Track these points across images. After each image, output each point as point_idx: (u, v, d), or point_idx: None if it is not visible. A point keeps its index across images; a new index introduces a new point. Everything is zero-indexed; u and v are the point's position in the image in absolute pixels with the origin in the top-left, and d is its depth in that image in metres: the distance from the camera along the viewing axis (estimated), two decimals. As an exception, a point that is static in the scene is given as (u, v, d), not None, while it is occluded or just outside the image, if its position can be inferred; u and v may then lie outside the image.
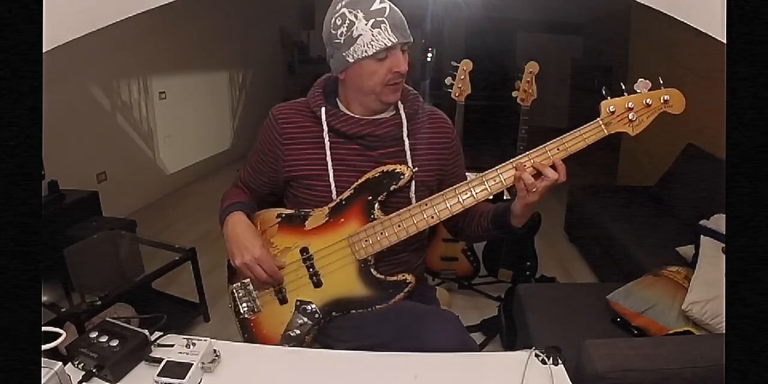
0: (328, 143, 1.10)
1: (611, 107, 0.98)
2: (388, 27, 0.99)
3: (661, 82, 0.99)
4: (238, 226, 1.10)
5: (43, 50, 0.97)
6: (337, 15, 1.01)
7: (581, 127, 0.99)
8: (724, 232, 1.74)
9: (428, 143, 1.15)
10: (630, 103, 0.98)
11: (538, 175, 1.00)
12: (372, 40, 0.98)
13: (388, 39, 0.99)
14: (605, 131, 0.98)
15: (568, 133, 0.99)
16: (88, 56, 3.16)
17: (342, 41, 1.01)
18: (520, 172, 0.99)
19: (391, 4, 1.02)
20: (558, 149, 0.98)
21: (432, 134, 1.16)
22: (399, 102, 1.14)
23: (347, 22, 0.99)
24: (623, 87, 0.99)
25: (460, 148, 1.22)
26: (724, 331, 1.41)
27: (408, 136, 1.12)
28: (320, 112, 1.10)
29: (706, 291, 1.46)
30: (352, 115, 1.11)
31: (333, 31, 1.02)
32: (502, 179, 1.01)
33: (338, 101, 1.14)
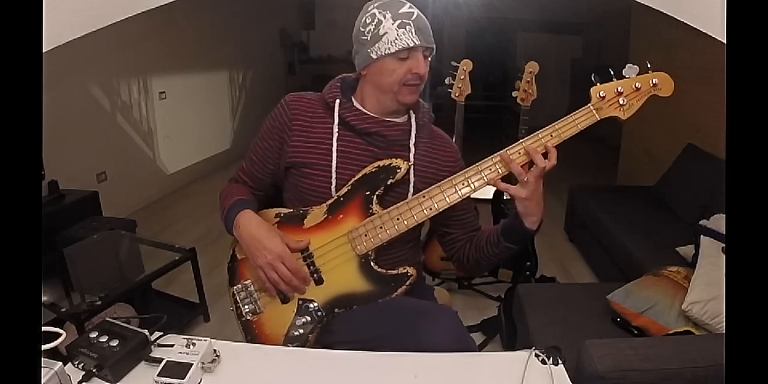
0: (336, 134, 1.11)
1: (601, 92, 1.00)
2: (413, 29, 1.03)
3: (649, 66, 1.01)
4: (252, 226, 1.09)
5: (43, 50, 0.97)
6: (367, 14, 1.07)
7: (573, 113, 1.01)
8: (724, 232, 1.74)
9: (432, 158, 1.17)
10: (620, 88, 1.00)
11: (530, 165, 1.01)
12: (396, 39, 1.03)
13: (412, 40, 1.03)
14: (597, 116, 1.00)
15: (560, 120, 1.00)
16: (88, 56, 3.16)
17: (368, 38, 1.06)
18: (507, 163, 1.00)
19: (419, 11, 1.08)
20: (551, 136, 1.00)
21: (438, 152, 1.19)
22: (412, 111, 1.18)
23: (376, 20, 1.05)
24: (612, 73, 1.01)
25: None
26: (724, 331, 1.41)
27: (414, 144, 1.15)
28: (334, 103, 1.13)
29: (706, 291, 1.46)
30: (364, 111, 1.13)
31: (362, 29, 1.07)
32: (498, 168, 1.02)
33: (353, 98, 1.16)
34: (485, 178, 1.03)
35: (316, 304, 1.11)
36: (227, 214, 1.14)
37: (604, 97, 1.00)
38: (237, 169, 1.26)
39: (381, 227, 1.06)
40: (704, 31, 1.11)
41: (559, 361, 0.91)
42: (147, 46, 3.76)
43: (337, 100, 1.13)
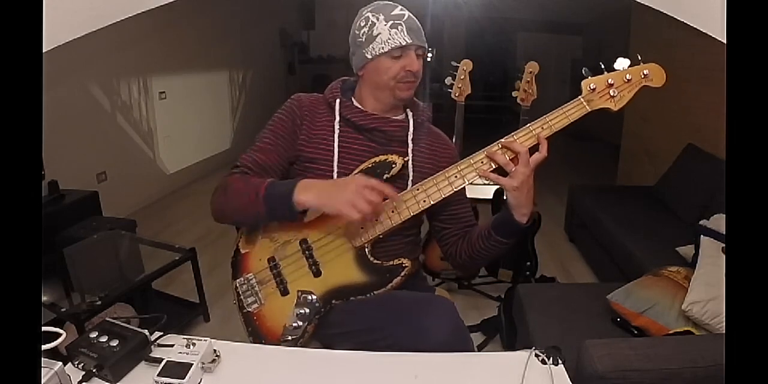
0: (338, 131, 1.16)
1: (592, 85, 1.02)
2: (404, 29, 1.09)
3: (640, 58, 1.03)
4: (322, 181, 1.05)
5: (43, 50, 0.97)
6: (362, 18, 1.13)
7: (564, 105, 1.02)
8: (724, 232, 1.74)
9: (430, 154, 1.21)
10: (610, 80, 1.02)
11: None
12: (389, 39, 1.08)
13: (404, 39, 1.08)
14: (587, 108, 1.02)
15: (551, 112, 1.02)
16: (88, 56, 3.16)
17: (363, 39, 1.11)
18: (491, 156, 1.03)
19: (410, 13, 1.13)
20: (542, 128, 1.02)
21: (436, 149, 1.23)
22: (409, 109, 1.22)
23: (369, 23, 1.11)
24: (602, 66, 1.03)
25: None
26: (724, 331, 1.41)
27: (412, 140, 1.19)
28: (335, 102, 1.17)
29: (706, 291, 1.46)
30: (363, 109, 1.18)
31: (357, 32, 1.13)
32: (490, 160, 1.05)
33: (353, 98, 1.21)
34: (477, 170, 1.05)
35: (314, 296, 1.14)
36: (275, 191, 1.04)
37: (594, 89, 1.02)
38: (241, 164, 1.18)
39: (377, 219, 1.09)
40: (704, 31, 1.11)
41: (559, 361, 0.91)
42: (147, 46, 3.76)
43: (338, 100, 1.17)
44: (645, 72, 1.02)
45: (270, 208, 1.04)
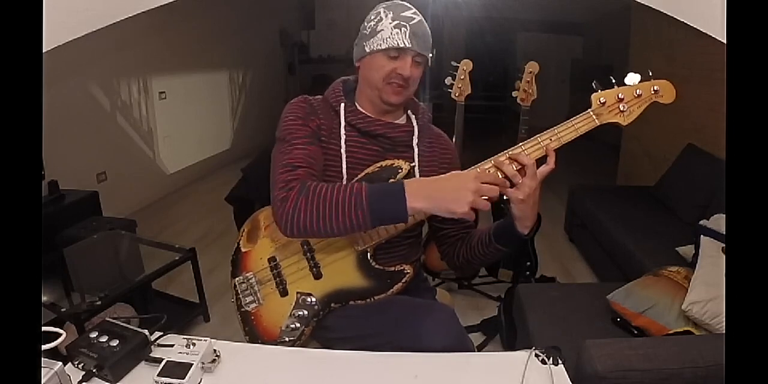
0: (345, 137, 1.13)
1: (602, 98, 1.00)
2: (407, 32, 1.06)
3: (651, 74, 1.01)
4: (421, 186, 0.94)
5: (43, 50, 0.97)
6: (374, 11, 1.12)
7: (573, 118, 1.01)
8: (724, 232, 1.74)
9: (432, 157, 1.20)
10: (620, 94, 1.01)
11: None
12: (389, 37, 1.06)
13: (403, 41, 1.06)
14: (596, 121, 1.01)
15: (560, 124, 1.01)
16: (88, 56, 3.16)
17: (367, 33, 1.10)
18: (499, 166, 0.99)
19: (422, 18, 1.10)
20: (551, 140, 1.00)
21: (436, 151, 1.21)
22: (410, 112, 1.20)
23: (378, 18, 1.09)
24: (613, 80, 1.01)
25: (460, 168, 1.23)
26: (724, 331, 1.41)
27: (417, 144, 1.17)
28: (339, 107, 1.15)
29: (706, 291, 1.46)
30: (368, 114, 1.15)
31: (365, 23, 1.12)
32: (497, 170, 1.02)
33: (356, 102, 1.18)
34: None
35: (313, 299, 1.13)
36: (381, 198, 0.94)
37: (604, 103, 1.00)
38: (286, 171, 1.02)
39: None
40: (704, 31, 1.11)
41: (559, 361, 0.91)
42: (147, 46, 3.76)
43: (342, 104, 1.15)
44: (655, 88, 1.00)
45: (377, 218, 0.94)
